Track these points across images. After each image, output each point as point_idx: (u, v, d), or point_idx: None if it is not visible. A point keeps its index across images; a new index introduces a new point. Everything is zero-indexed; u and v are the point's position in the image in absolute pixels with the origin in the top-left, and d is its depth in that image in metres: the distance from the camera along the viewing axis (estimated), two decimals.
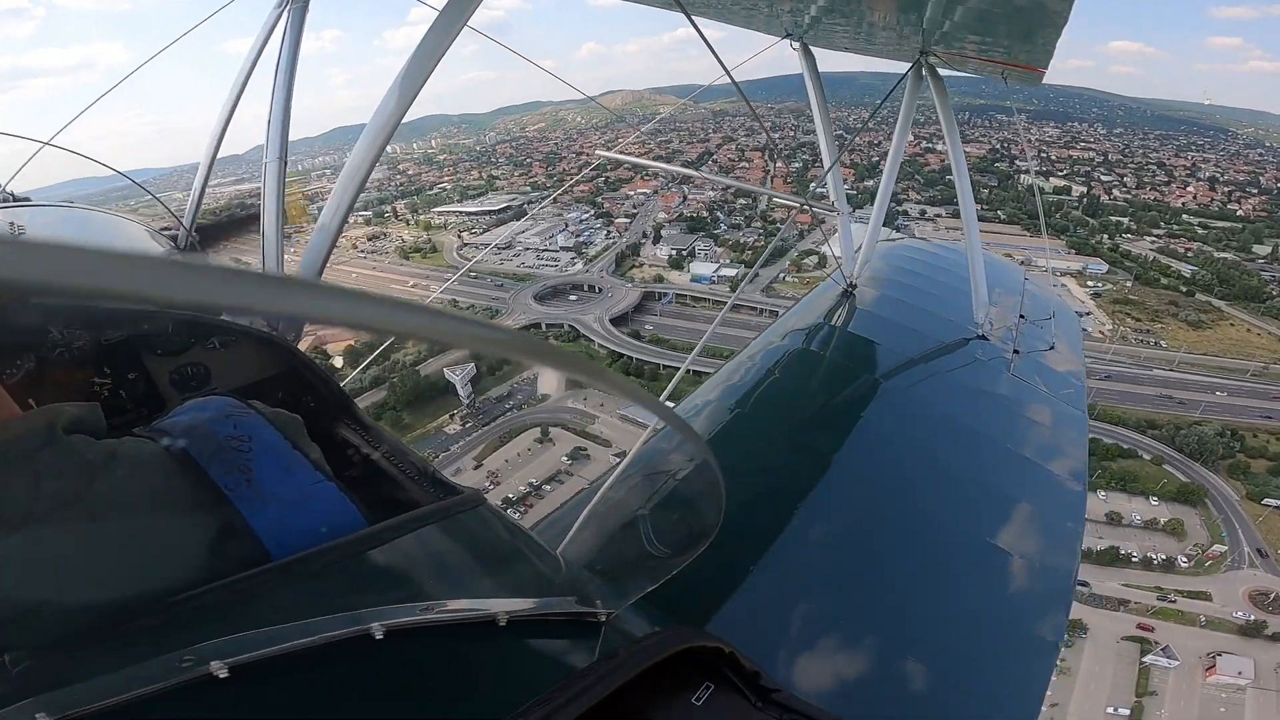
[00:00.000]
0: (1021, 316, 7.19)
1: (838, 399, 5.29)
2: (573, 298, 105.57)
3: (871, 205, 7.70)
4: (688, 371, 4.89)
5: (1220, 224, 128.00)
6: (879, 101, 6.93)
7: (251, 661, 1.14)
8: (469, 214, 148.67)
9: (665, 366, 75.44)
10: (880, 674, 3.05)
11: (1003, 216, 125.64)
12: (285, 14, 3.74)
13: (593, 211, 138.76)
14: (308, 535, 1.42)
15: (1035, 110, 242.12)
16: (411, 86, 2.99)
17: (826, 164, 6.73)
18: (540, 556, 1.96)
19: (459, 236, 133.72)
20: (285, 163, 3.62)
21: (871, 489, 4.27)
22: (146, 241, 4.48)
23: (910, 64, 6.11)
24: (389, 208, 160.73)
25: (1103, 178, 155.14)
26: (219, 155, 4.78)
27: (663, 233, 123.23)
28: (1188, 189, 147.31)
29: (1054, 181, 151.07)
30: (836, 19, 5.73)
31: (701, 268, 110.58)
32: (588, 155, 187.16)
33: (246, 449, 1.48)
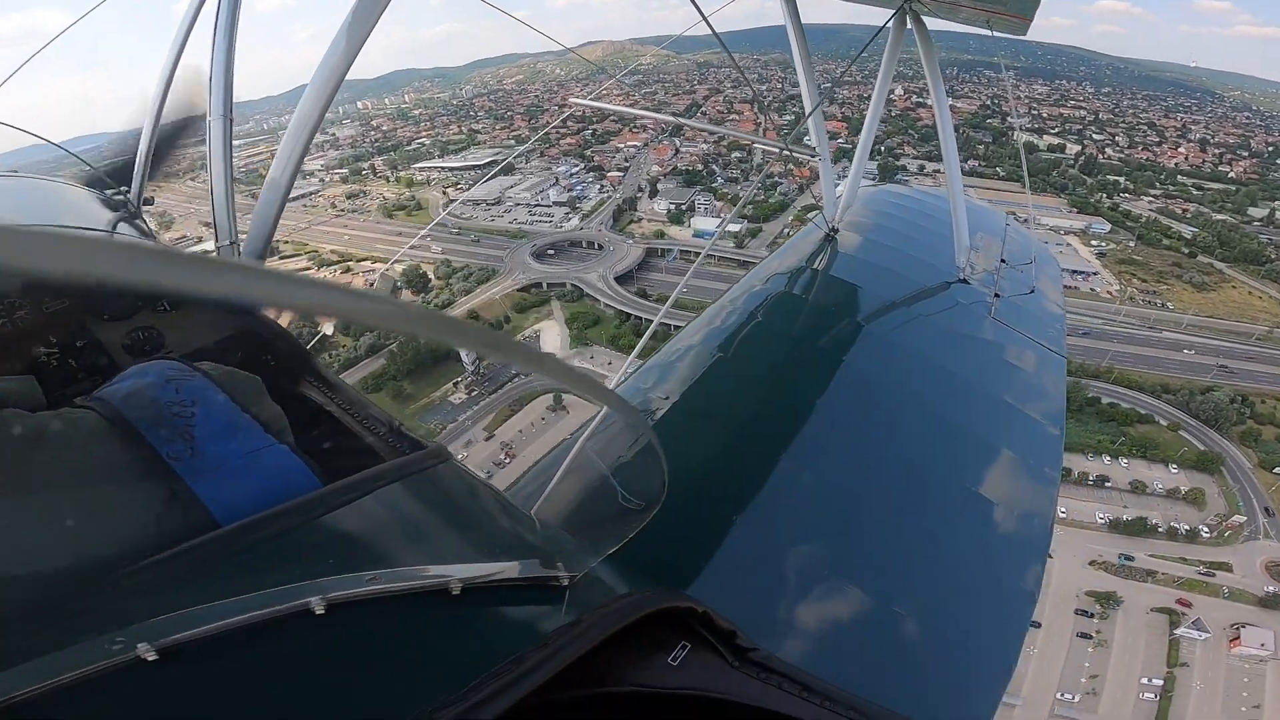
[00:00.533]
0: (1003, 261, 7.16)
1: (819, 343, 5.23)
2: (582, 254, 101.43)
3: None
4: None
5: (1213, 185, 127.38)
6: (862, 48, 6.43)
7: (183, 642, 1.08)
8: (452, 169, 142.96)
9: (676, 326, 71.97)
10: (859, 623, 2.99)
11: (1001, 173, 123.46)
12: None
13: (583, 165, 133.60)
14: (258, 501, 1.35)
15: (1023, 67, 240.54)
16: (360, 31, 2.83)
17: (808, 108, 6.38)
18: (511, 516, 1.90)
19: (444, 193, 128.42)
20: (230, 120, 3.42)
21: (852, 433, 4.21)
22: (98, 207, 4.30)
23: (894, 11, 5.94)
24: (366, 165, 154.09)
25: (1094, 136, 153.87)
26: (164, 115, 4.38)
27: (659, 186, 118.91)
28: (1179, 150, 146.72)
29: (1047, 139, 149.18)
30: None
31: (704, 223, 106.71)
32: (571, 108, 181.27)
33: (189, 414, 1.43)
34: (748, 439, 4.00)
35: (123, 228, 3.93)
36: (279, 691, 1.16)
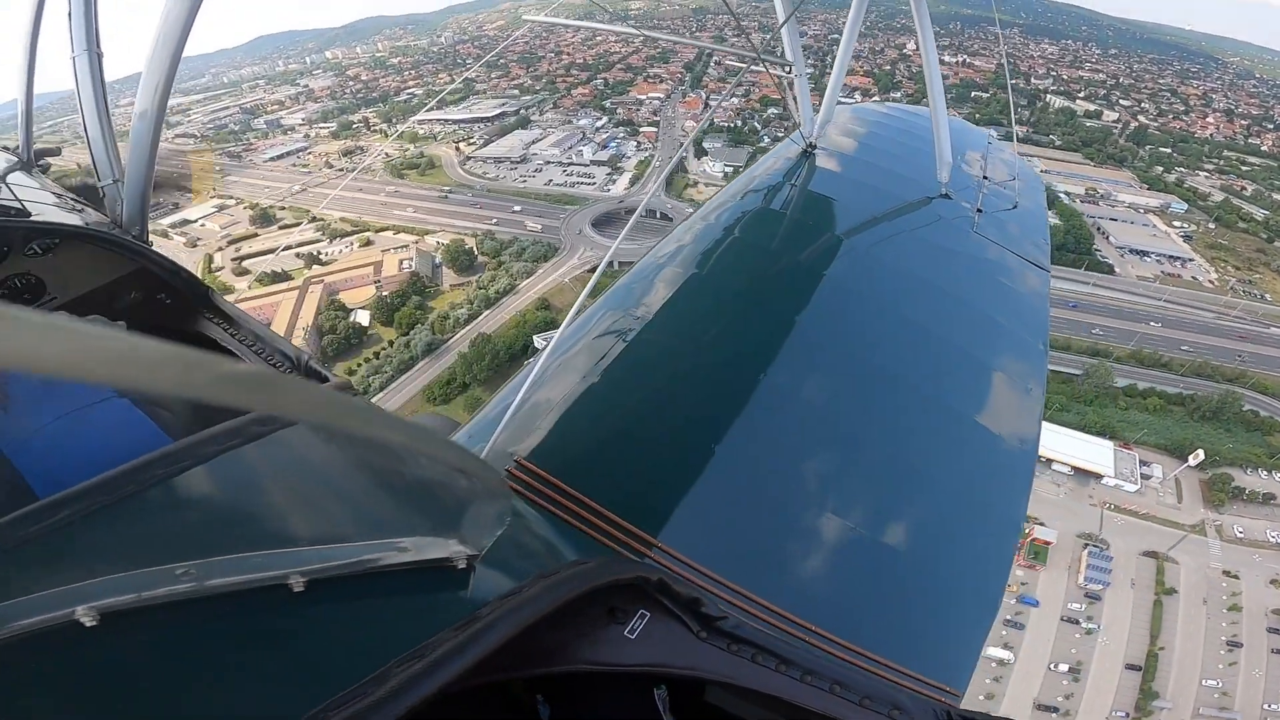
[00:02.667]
0: (985, 177, 6.90)
1: (797, 258, 4.94)
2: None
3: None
4: None
5: (1253, 160, 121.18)
6: None
7: None
8: (458, 122, 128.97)
9: None
10: (843, 554, 2.89)
11: (1058, 142, 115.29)
12: None
13: (606, 118, 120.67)
14: (87, 466, 1.13)
15: (1026, 25, 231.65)
16: None
17: (780, 18, 6.09)
18: (429, 469, 1.51)
19: (457, 149, 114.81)
20: (98, 54, 3.26)
21: (832, 350, 4.06)
22: None
23: None
24: (356, 118, 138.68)
25: (1121, 102, 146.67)
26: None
27: (705, 145, 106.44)
28: (1206, 120, 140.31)
29: (1081, 104, 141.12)
30: None
31: None
32: (569, 55, 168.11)
33: (1, 370, 1.18)
34: (723, 361, 3.76)
35: (14, 176, 3.59)
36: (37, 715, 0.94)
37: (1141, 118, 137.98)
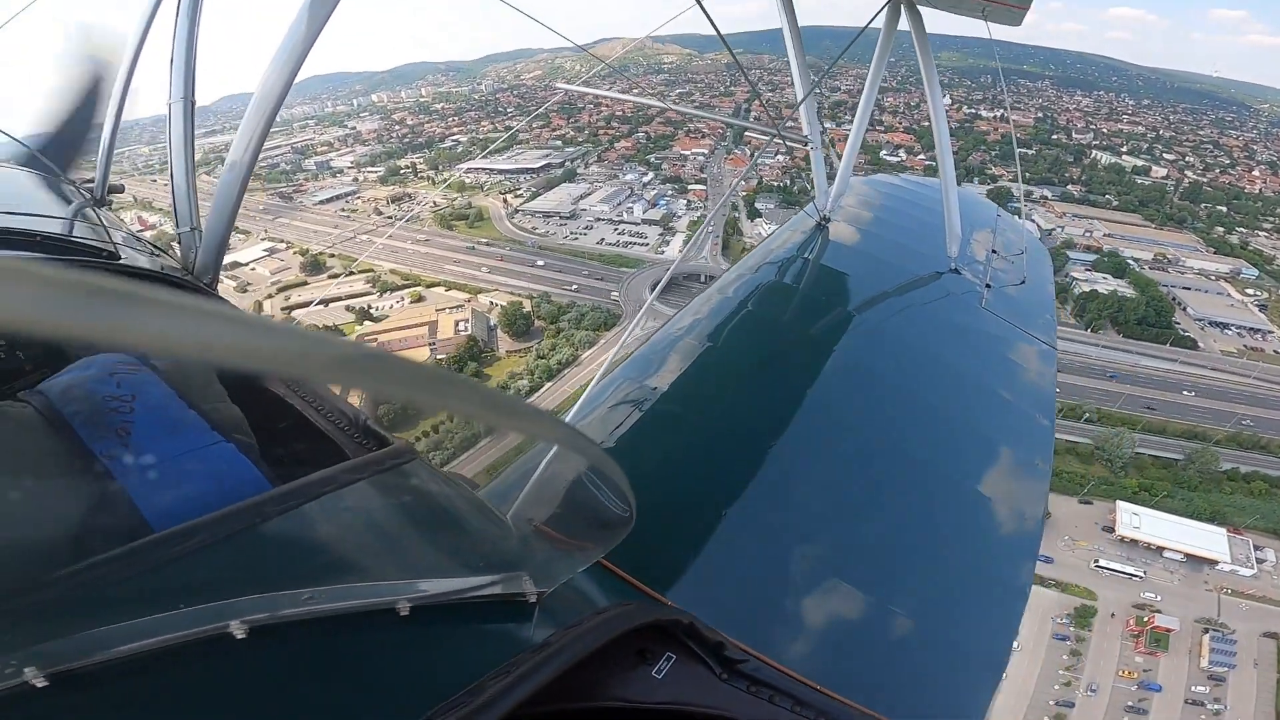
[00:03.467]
0: (994, 251, 6.84)
1: (809, 333, 5.02)
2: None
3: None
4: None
5: None
6: (856, 34, 5.83)
7: (81, 669, 0.97)
8: (503, 172, 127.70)
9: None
10: (849, 619, 2.90)
11: (1114, 202, 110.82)
12: None
13: (652, 174, 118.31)
14: (198, 504, 1.24)
15: (1056, 76, 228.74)
16: (321, 9, 2.73)
17: (800, 95, 6.14)
18: (485, 521, 1.74)
19: (504, 201, 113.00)
20: (192, 103, 3.30)
21: (842, 425, 4.08)
22: (58, 191, 4.15)
23: (887, 0, 5.62)
24: (404, 163, 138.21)
25: (1165, 156, 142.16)
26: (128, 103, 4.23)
27: (758, 206, 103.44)
28: (1253, 174, 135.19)
29: (1128, 160, 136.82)
30: None
31: None
32: (608, 107, 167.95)
33: (127, 409, 1.33)
34: (736, 431, 3.79)
35: (83, 214, 3.66)
36: None
37: (1189, 173, 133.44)
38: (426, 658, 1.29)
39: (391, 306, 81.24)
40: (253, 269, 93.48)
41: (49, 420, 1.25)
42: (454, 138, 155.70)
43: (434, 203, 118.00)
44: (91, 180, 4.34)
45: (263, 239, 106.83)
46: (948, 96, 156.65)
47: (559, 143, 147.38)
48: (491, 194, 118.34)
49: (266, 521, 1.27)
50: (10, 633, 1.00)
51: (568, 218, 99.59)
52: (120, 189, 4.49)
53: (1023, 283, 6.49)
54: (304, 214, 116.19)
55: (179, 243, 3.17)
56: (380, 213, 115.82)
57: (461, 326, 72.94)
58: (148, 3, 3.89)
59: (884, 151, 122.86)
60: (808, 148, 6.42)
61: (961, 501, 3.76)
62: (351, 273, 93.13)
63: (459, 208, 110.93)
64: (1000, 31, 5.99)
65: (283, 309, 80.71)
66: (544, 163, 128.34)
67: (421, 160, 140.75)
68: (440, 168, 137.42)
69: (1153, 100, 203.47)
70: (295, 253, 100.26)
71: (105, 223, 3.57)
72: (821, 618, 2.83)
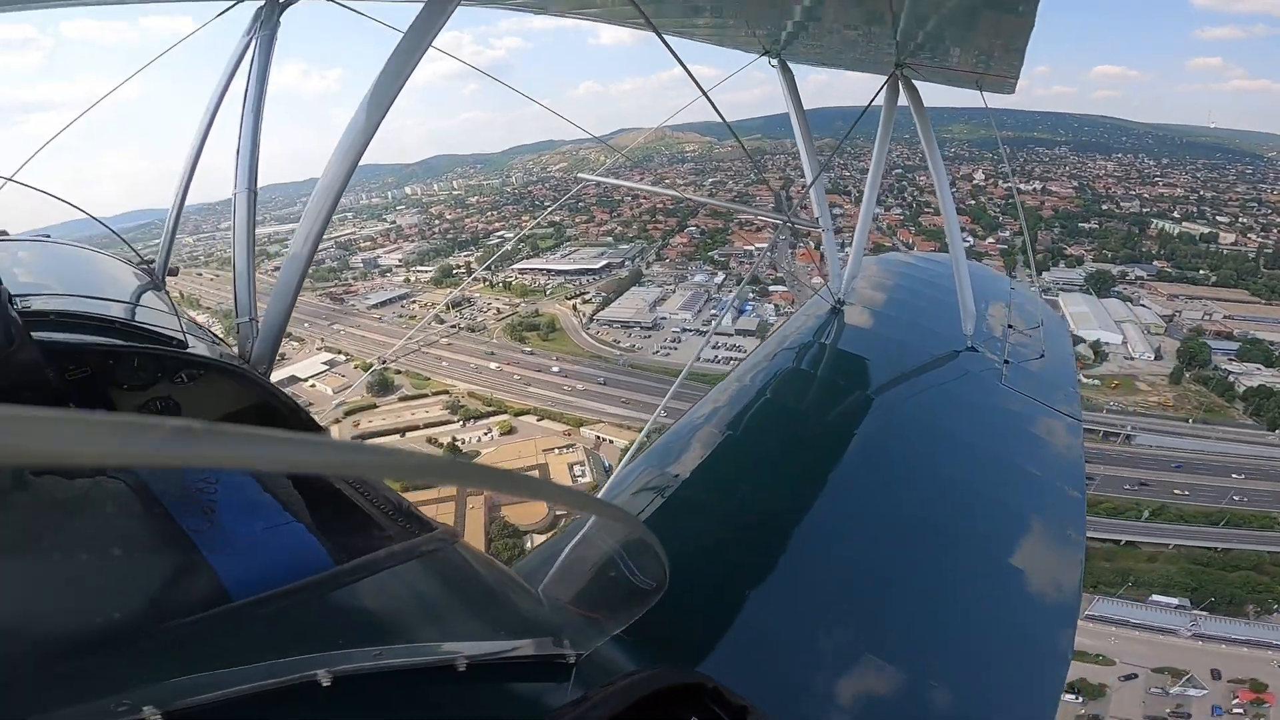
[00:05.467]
0: (1010, 327, 6.68)
1: (830, 417, 4.86)
2: None
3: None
4: None
5: None
6: (860, 114, 5.74)
7: (190, 707, 1.05)
8: (562, 273, 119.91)
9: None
10: (886, 696, 2.80)
11: (1212, 278, 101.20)
12: (254, 41, 3.48)
13: (722, 273, 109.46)
14: (270, 576, 1.34)
15: (1068, 141, 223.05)
16: (379, 107, 2.77)
17: (809, 179, 6.18)
18: (518, 595, 1.89)
19: (573, 308, 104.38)
20: (255, 194, 3.35)
21: (868, 508, 3.95)
22: (121, 274, 4.14)
23: (886, 77, 5.57)
24: (456, 263, 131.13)
25: (1218, 219, 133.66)
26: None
27: None
28: None
29: (1189, 227, 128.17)
30: (812, 33, 5.38)
31: None
32: (644, 198, 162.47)
33: (212, 490, 1.44)
34: (761, 513, 3.69)
35: (147, 298, 3.67)
36: None
37: (1252, 236, 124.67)
38: (479, 709, 1.39)
39: (480, 440, 71.01)
40: (313, 385, 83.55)
41: (142, 497, 1.34)
42: (499, 234, 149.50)
43: (497, 310, 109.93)
44: (153, 261, 4.27)
45: (319, 348, 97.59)
46: (979, 171, 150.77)
47: (610, 239, 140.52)
48: (556, 298, 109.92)
49: (339, 590, 1.40)
50: (127, 675, 1.09)
51: (650, 328, 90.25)
52: (175, 272, 4.44)
53: (1041, 356, 6.21)
54: (359, 319, 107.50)
55: (237, 331, 3.09)
56: (441, 320, 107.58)
57: (578, 470, 61.55)
58: (213, 92, 3.83)
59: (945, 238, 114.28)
60: (819, 230, 6.09)
61: (995, 574, 3.59)
62: (425, 395, 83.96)
63: (526, 316, 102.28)
64: (1000, 99, 5.76)
65: (353, 438, 71.45)
66: (604, 262, 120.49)
67: (473, 259, 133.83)
68: (493, 268, 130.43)
69: (1171, 159, 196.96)
70: (358, 367, 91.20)
71: (171, 306, 3.54)
72: (856, 691, 2.70)
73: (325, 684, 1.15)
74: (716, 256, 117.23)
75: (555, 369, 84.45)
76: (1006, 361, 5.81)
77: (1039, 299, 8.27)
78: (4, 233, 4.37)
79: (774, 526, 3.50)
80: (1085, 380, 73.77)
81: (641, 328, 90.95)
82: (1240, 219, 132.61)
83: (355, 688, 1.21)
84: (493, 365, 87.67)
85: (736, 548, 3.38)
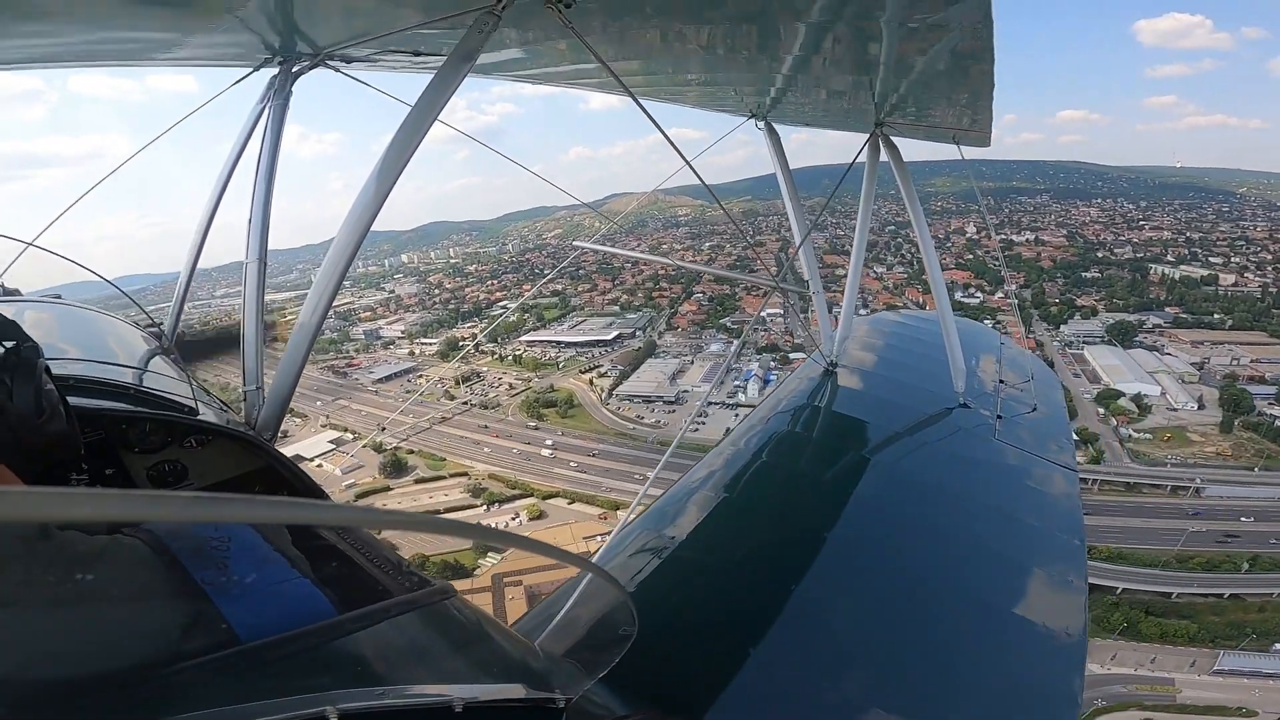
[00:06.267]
0: (1001, 381, 6.71)
1: (827, 479, 4.86)
2: None
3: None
4: None
5: None
6: (843, 174, 5.89)
7: None
8: (572, 345, 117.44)
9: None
10: None
11: (1229, 322, 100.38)
12: (267, 110, 3.51)
13: (736, 342, 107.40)
14: (281, 627, 1.42)
15: (1048, 189, 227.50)
16: (388, 177, 2.79)
17: (797, 241, 6.16)
18: (510, 644, 1.97)
19: (589, 382, 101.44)
20: (265, 264, 3.37)
21: (867, 567, 3.93)
22: (131, 338, 4.22)
23: (867, 136, 5.75)
24: (462, 335, 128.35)
25: (1211, 260, 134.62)
26: (202, 259, 4.45)
27: None
28: None
29: (1187, 270, 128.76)
30: (796, 96, 5.55)
31: None
32: (644, 264, 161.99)
33: (225, 548, 1.51)
34: (758, 576, 3.64)
35: (156, 363, 3.70)
36: None
37: (1249, 275, 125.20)
38: None
39: (509, 524, 66.64)
40: (319, 465, 77.98)
41: (159, 553, 1.40)
42: (501, 304, 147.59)
43: (509, 385, 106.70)
44: (162, 324, 4.24)
45: (323, 425, 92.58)
46: (969, 225, 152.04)
47: (617, 309, 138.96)
48: (570, 372, 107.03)
49: (343, 638, 1.47)
50: (135, 715, 1.15)
51: (673, 402, 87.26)
52: (185, 337, 4.41)
53: (1034, 410, 6.23)
54: (363, 394, 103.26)
55: (244, 399, 3.09)
56: (451, 396, 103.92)
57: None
58: (226, 158, 3.85)
59: (959, 294, 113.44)
60: (809, 292, 6.11)
61: (1000, 625, 3.59)
62: (443, 477, 79.58)
63: (541, 392, 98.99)
64: (977, 151, 5.83)
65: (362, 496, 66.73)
66: (615, 333, 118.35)
67: (478, 331, 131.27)
68: (500, 340, 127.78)
69: (1149, 201, 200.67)
70: (366, 446, 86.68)
71: (180, 372, 3.45)
72: None
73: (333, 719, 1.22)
74: (729, 324, 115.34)
75: (593, 454, 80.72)
76: (999, 416, 5.84)
77: (1028, 352, 8.21)
78: (16, 291, 4.27)
79: (771, 586, 3.43)
80: (1136, 435, 72.02)
81: (664, 402, 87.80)
82: (1232, 259, 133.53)
83: None
84: (513, 445, 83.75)
85: (732, 608, 3.34)
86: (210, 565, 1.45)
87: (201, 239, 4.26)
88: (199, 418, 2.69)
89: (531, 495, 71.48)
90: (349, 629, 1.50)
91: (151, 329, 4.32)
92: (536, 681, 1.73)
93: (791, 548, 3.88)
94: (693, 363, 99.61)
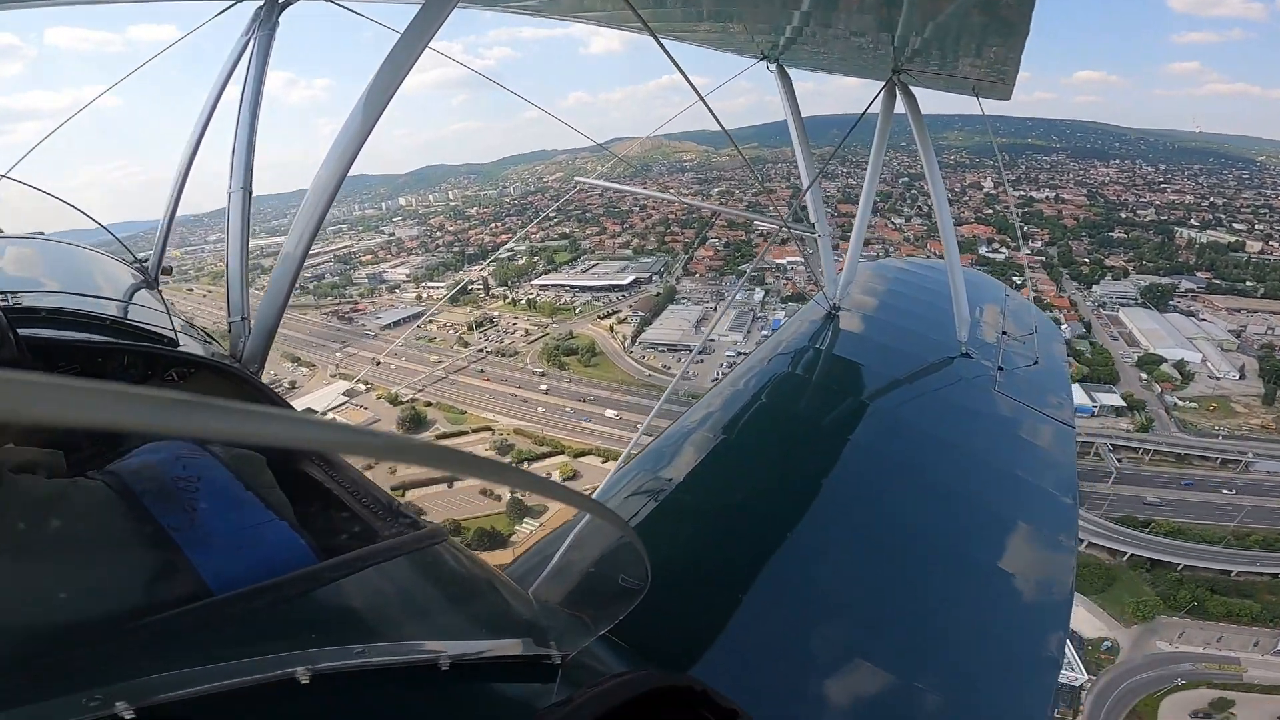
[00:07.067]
0: (1004, 333, 6.64)
1: (825, 423, 4.79)
2: None
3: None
4: None
5: None
6: (856, 119, 5.63)
7: (163, 704, 1.04)
8: (587, 289, 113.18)
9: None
10: (876, 701, 2.77)
11: (1261, 290, 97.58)
12: (252, 41, 3.48)
13: (761, 290, 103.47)
14: (255, 574, 1.33)
15: (1064, 147, 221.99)
16: (375, 107, 2.72)
17: (805, 184, 6.04)
18: (505, 594, 1.88)
19: (610, 329, 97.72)
20: (250, 193, 3.33)
21: (861, 513, 3.93)
22: (113, 272, 4.10)
23: (884, 83, 5.50)
24: (473, 279, 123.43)
25: (1236, 226, 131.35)
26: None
27: None
28: None
29: (1214, 235, 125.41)
30: (811, 38, 5.39)
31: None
32: (651, 208, 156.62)
33: (193, 489, 1.43)
34: (753, 520, 3.63)
35: (139, 296, 3.59)
36: None
37: (1273, 243, 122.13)
38: (464, 709, 1.40)
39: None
40: (332, 419, 75.71)
41: (123, 497, 1.33)
42: (509, 247, 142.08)
43: (525, 330, 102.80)
44: (146, 260, 4.18)
45: (334, 375, 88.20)
46: (986, 179, 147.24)
47: (630, 252, 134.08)
48: (588, 317, 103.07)
49: (321, 587, 1.38)
50: (102, 672, 1.07)
51: (703, 352, 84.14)
52: (170, 271, 4.39)
53: (1035, 363, 6.19)
54: (371, 341, 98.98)
55: (229, 330, 3.06)
56: (466, 343, 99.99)
57: None
58: (210, 92, 3.78)
59: (983, 249, 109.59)
60: (815, 236, 6.13)
61: (986, 579, 3.59)
62: (465, 432, 76.44)
63: (561, 338, 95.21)
64: (992, 105, 5.78)
65: (393, 489, 63.67)
66: (631, 278, 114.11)
67: (486, 272, 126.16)
68: (511, 284, 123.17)
69: (1169, 164, 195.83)
70: (380, 397, 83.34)
71: (163, 306, 3.43)
72: (846, 695, 2.69)
73: (304, 681, 1.14)
74: (750, 271, 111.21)
75: (605, 394, 77.68)
76: (1000, 368, 5.81)
77: (1033, 306, 8.13)
78: None
79: (765, 530, 3.44)
80: (1181, 403, 70.22)
81: (690, 350, 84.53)
82: (1257, 226, 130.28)
83: (333, 687, 1.19)
84: (538, 397, 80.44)
85: (727, 551, 3.33)
86: (178, 509, 1.35)
87: (185, 171, 4.12)
88: (180, 349, 2.60)
89: (562, 453, 68.56)
90: (329, 577, 1.39)
91: (136, 265, 4.20)
92: (531, 636, 1.60)
93: (785, 493, 3.81)
94: (715, 310, 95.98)
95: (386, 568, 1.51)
